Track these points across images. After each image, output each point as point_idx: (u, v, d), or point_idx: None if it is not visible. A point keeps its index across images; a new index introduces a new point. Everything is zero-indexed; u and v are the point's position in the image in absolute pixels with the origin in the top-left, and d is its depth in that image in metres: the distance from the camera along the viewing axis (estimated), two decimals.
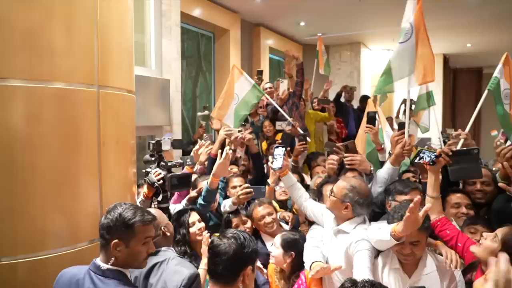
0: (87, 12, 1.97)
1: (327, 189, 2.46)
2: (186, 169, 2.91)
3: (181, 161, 2.60)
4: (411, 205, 1.62)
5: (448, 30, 7.64)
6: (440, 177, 2.09)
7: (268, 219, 2.50)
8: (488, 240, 1.65)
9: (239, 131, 3.08)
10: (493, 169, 2.47)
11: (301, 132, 3.85)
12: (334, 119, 5.42)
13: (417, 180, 2.56)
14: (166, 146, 2.49)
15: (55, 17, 1.85)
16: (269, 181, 2.84)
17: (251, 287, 1.53)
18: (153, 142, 2.50)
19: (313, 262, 2.01)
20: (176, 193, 2.83)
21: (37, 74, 1.81)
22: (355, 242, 1.94)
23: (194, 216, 2.34)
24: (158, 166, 2.46)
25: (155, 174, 2.38)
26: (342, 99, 6.01)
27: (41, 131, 1.83)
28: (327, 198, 2.12)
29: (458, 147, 2.64)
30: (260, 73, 5.00)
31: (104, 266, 1.55)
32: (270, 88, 4.75)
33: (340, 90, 6.02)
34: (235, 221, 2.59)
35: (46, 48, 1.83)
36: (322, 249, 2.17)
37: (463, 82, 12.26)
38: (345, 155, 2.55)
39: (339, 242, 2.05)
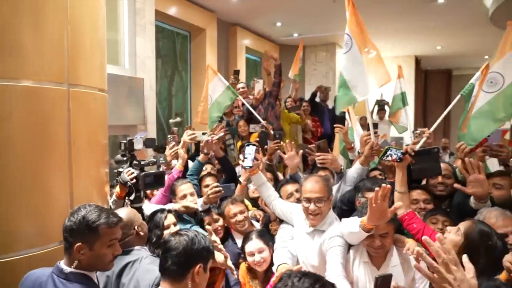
0: (57, 10, 1.94)
1: (285, 190, 2.53)
2: (162, 168, 2.91)
3: (154, 160, 2.59)
4: (371, 196, 1.70)
5: (419, 32, 7.91)
6: None
7: (239, 217, 2.52)
8: (452, 234, 1.73)
9: (203, 134, 3.07)
10: (454, 165, 2.60)
11: (274, 134, 3.90)
12: (309, 118, 5.51)
13: (384, 178, 2.65)
14: (138, 145, 2.47)
15: (23, 14, 1.82)
16: (241, 179, 2.88)
17: (202, 286, 1.52)
18: (125, 141, 2.48)
19: (279, 265, 2.05)
20: (160, 193, 2.83)
21: (5, 72, 1.78)
22: (328, 238, 2.01)
23: (170, 219, 2.34)
24: (131, 165, 2.45)
25: (128, 173, 2.37)
26: (317, 99, 6.12)
27: (9, 129, 1.79)
28: (288, 199, 2.18)
29: (420, 144, 2.78)
30: (236, 73, 5.02)
31: (67, 269, 1.53)
32: (243, 88, 4.77)
33: (315, 90, 6.15)
34: (207, 219, 2.61)
35: (14, 45, 1.79)
36: (290, 249, 2.22)
37: (434, 83, 12.70)
38: (317, 154, 2.61)
39: (313, 241, 2.11)
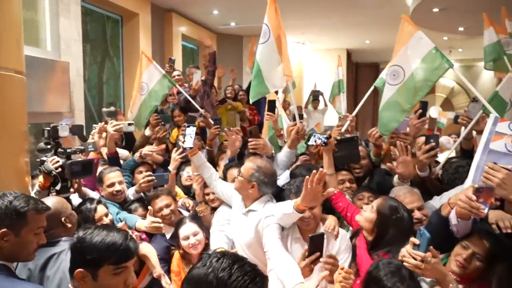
0: None
1: (231, 173, 2.57)
2: (92, 155, 2.74)
3: (82, 147, 2.45)
4: (307, 177, 1.78)
5: (350, 27, 8.33)
6: None
7: (165, 211, 2.45)
8: (367, 212, 1.90)
9: (129, 124, 2.96)
10: (370, 149, 2.85)
11: (213, 119, 3.89)
12: (246, 107, 5.57)
13: (312, 163, 2.80)
14: (63, 132, 2.32)
15: None
16: (170, 167, 2.84)
17: None
18: (48, 128, 2.31)
19: (215, 249, 2.08)
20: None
21: None
22: (264, 218, 2.07)
23: (101, 210, 2.25)
24: (56, 153, 2.29)
25: (52, 162, 2.22)
26: None
27: None
28: (236, 179, 2.21)
29: (345, 127, 2.99)
30: (172, 61, 4.89)
31: None
32: (178, 76, 4.68)
33: None
34: (139, 210, 2.55)
35: None
36: (227, 232, 2.26)
37: (364, 76, 13.52)
38: (249, 140, 2.68)
39: (249, 221, 2.16)
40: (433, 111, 8.19)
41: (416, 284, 1.49)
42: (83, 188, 2.49)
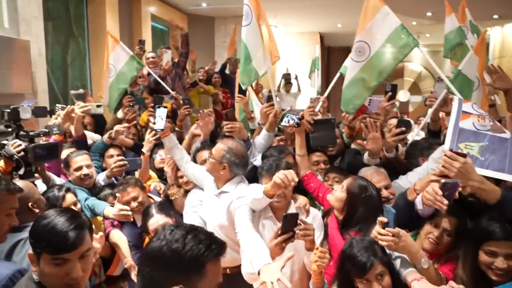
0: None
1: (200, 156, 2.54)
2: (55, 138, 2.61)
3: (47, 130, 2.33)
4: (283, 173, 1.81)
5: (322, 10, 8.33)
6: None
7: (133, 204, 2.36)
8: (338, 192, 1.94)
9: (97, 106, 2.84)
10: (343, 130, 2.89)
11: (183, 100, 3.82)
12: (220, 90, 5.51)
13: (288, 143, 2.81)
14: (25, 114, 2.20)
15: None
16: (144, 149, 2.76)
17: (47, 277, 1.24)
18: (8, 110, 2.18)
19: None
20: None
21: None
22: (236, 199, 2.07)
23: (69, 198, 2.17)
24: (17, 137, 2.17)
25: (14, 145, 2.10)
26: (227, 71, 6.15)
27: None
28: (207, 161, 2.20)
29: (318, 108, 3.01)
30: (142, 43, 4.75)
31: None
32: (153, 58, 4.54)
33: (225, 62, 6.20)
34: (111, 199, 2.47)
35: None
36: (200, 214, 2.25)
37: (336, 59, 13.59)
38: (225, 122, 2.65)
39: (222, 202, 2.16)
40: (402, 95, 8.44)
41: (388, 257, 1.55)
42: (47, 173, 2.39)
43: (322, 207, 2.21)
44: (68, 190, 2.23)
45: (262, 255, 1.72)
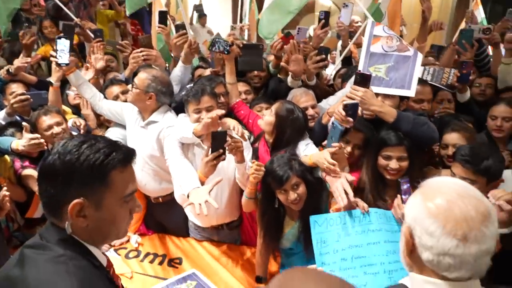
0: None
1: (111, 92, 2.45)
2: None
3: None
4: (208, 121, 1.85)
5: None
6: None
7: (56, 129, 2.20)
8: (267, 115, 2.06)
9: None
10: (268, 59, 2.96)
11: (93, 32, 3.45)
12: (128, 21, 5.07)
13: (218, 69, 2.77)
14: None
15: None
16: (52, 79, 2.45)
17: None
18: None
19: None
20: None
21: None
22: (166, 127, 2.07)
23: None
24: None
25: None
26: None
27: None
28: (130, 92, 2.13)
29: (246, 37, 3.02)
30: None
31: None
32: None
33: None
34: (17, 135, 2.22)
35: None
36: None
37: None
38: (141, 49, 2.51)
39: (150, 133, 2.13)
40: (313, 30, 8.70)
41: (304, 170, 1.78)
42: None
43: (252, 133, 2.30)
44: None
45: (191, 180, 1.80)
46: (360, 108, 1.79)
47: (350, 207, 1.60)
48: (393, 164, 1.74)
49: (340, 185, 1.60)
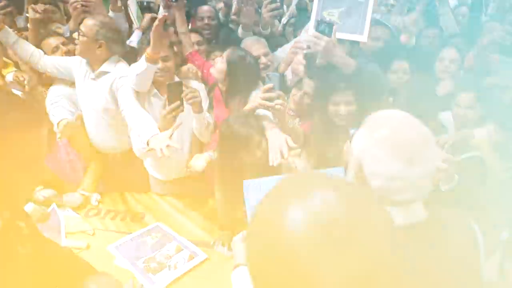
0: None
1: (48, 44, 2.23)
2: None
3: None
4: (155, 24, 1.71)
5: None
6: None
7: None
8: (219, 63, 2.01)
9: None
10: (217, 6, 2.87)
11: None
12: None
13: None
14: None
15: None
16: None
17: None
18: None
19: (59, 121, 1.93)
20: None
21: None
22: (118, 78, 1.96)
23: None
24: None
25: None
26: None
27: None
28: (77, 42, 1.98)
29: None
30: None
31: None
32: None
33: None
34: None
35: None
36: (64, 104, 2.09)
37: None
38: None
39: (101, 84, 2.02)
40: None
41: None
42: None
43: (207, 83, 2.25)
44: None
45: (149, 127, 1.74)
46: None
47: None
48: (342, 109, 1.74)
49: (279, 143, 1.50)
